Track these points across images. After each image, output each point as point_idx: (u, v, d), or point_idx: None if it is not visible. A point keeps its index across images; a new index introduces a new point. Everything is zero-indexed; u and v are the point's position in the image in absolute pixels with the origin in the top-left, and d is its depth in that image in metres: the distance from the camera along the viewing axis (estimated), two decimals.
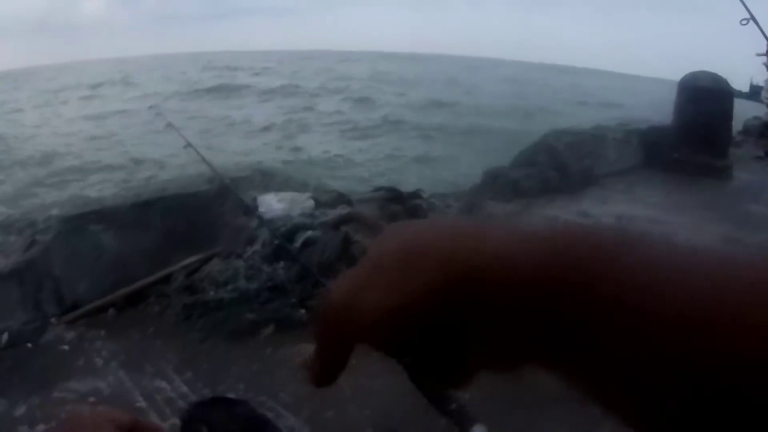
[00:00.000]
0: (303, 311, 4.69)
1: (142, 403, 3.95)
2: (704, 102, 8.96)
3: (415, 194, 6.96)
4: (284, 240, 5.08)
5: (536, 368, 0.46)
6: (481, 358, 0.51)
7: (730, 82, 9.63)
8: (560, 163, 8.17)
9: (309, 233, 5.21)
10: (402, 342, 0.51)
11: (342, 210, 5.81)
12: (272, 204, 5.65)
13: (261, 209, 5.59)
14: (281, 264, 5.07)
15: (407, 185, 7.94)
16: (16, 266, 4.90)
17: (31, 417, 3.83)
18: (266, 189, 6.05)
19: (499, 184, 7.80)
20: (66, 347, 4.58)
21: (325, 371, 0.55)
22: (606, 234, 0.44)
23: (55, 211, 5.31)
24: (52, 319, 4.84)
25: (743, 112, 12.15)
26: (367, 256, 0.52)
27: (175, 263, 5.29)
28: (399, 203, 6.50)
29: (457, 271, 0.46)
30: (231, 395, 3.88)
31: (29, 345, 4.60)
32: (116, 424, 0.90)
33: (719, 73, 9.46)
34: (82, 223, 5.19)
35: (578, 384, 0.43)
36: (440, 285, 0.46)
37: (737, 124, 10.92)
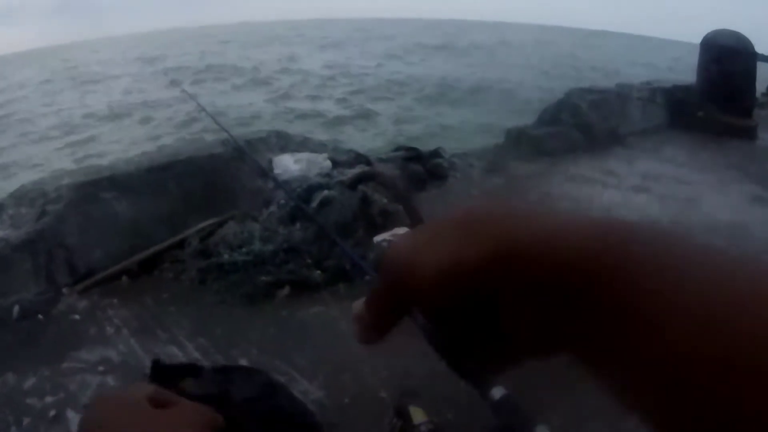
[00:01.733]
0: (319, 272, 4.37)
1: None
2: (727, 61, 8.76)
3: (436, 153, 6.63)
4: (300, 201, 4.73)
5: (569, 359, 0.44)
6: (516, 339, 0.48)
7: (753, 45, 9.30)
8: (584, 122, 7.84)
9: (325, 193, 4.87)
10: (449, 309, 0.49)
11: (359, 169, 5.44)
12: (289, 165, 5.34)
13: (277, 171, 5.28)
14: (297, 225, 4.74)
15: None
16: (27, 237, 4.61)
17: (41, 389, 3.55)
18: (283, 151, 5.73)
19: (523, 143, 7.47)
20: (77, 317, 4.27)
21: (375, 328, 0.53)
22: (655, 234, 0.42)
23: (66, 180, 4.99)
24: (64, 290, 4.52)
25: (766, 75, 12.06)
26: (432, 221, 0.51)
27: (191, 228, 4.94)
28: (419, 162, 6.17)
29: (506, 247, 0.44)
30: (244, 360, 3.64)
31: (40, 317, 4.30)
32: (150, 398, 0.83)
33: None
34: (94, 190, 4.87)
35: (608, 382, 0.42)
36: (489, 258, 0.44)
37: (761, 86, 10.64)
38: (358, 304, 0.52)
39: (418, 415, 2.67)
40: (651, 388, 0.38)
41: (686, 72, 10.93)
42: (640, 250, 0.40)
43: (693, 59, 9.48)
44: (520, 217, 0.46)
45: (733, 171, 7.21)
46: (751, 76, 9.02)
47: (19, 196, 5.06)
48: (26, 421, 3.32)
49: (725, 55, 8.75)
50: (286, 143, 5.97)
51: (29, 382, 3.62)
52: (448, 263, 0.45)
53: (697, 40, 9.32)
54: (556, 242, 0.43)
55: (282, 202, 4.98)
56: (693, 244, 0.41)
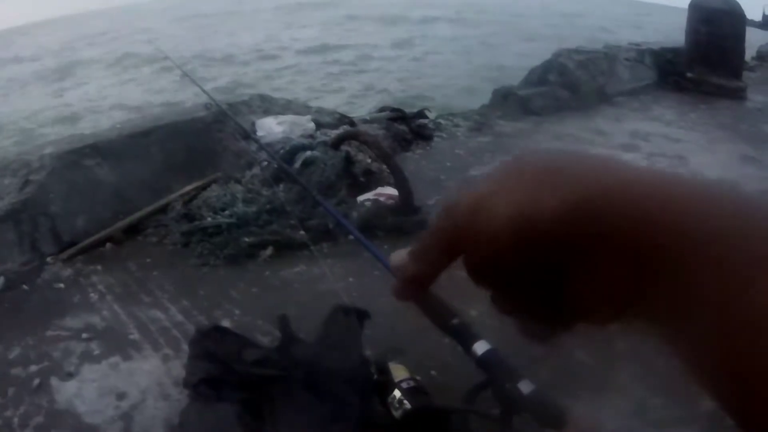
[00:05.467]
0: (302, 232, 4.25)
1: (135, 335, 3.56)
2: (716, 22, 8.65)
3: (420, 114, 6.49)
4: (283, 161, 4.61)
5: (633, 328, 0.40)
6: (581, 303, 0.42)
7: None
8: (572, 81, 7.72)
9: (308, 153, 4.76)
10: (508, 266, 0.43)
11: (343, 130, 5.32)
12: (272, 127, 5.21)
13: (260, 133, 5.16)
14: (281, 186, 4.63)
15: None
16: (11, 207, 4.48)
17: (25, 358, 3.46)
18: (266, 113, 5.62)
19: (510, 102, 7.32)
20: (61, 285, 4.16)
21: (418, 279, 0.48)
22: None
23: (48, 150, 4.85)
24: (48, 258, 4.41)
25: (756, 40, 12.02)
26: (502, 168, 0.45)
27: (175, 192, 4.83)
28: (404, 123, 6.03)
29: (595, 197, 0.38)
30: (226, 321, 3.55)
31: (25, 287, 4.18)
32: None
33: None
34: (77, 158, 4.74)
35: (681, 357, 0.37)
36: (574, 206, 0.39)
37: (751, 51, 10.65)
38: (399, 255, 0.48)
39: (399, 371, 2.58)
40: (745, 368, 0.33)
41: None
42: (743, 217, 0.36)
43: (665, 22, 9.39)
44: (607, 167, 0.41)
45: (723, 130, 7.14)
46: (740, 38, 8.94)
47: (1, 168, 4.93)
48: (11, 391, 3.22)
49: (714, 17, 8.63)
50: (269, 106, 5.84)
51: (14, 353, 3.52)
52: (525, 209, 0.41)
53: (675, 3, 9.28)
54: (654, 196, 0.37)
55: (265, 163, 4.87)
56: None
